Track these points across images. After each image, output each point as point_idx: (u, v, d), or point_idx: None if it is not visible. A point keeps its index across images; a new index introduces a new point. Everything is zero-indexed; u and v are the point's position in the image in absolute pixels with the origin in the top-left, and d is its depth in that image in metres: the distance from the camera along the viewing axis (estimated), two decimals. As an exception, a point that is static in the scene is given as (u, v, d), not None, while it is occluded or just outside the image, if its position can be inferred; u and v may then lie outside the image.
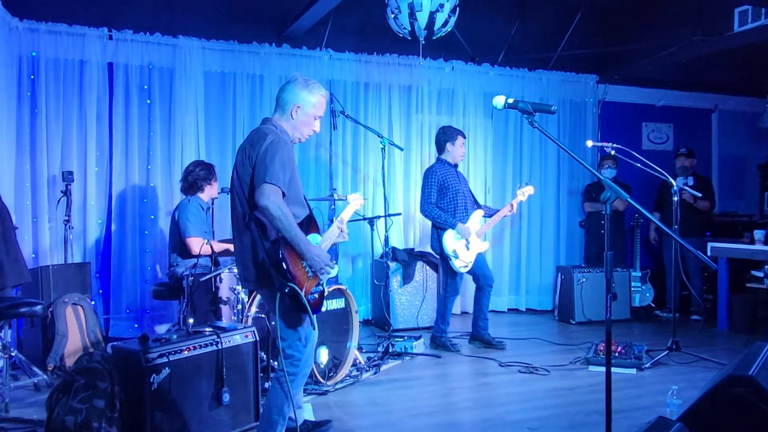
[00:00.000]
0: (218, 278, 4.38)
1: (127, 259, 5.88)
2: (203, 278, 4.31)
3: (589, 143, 5.55)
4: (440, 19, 4.56)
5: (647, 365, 4.74)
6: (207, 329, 3.41)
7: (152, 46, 5.95)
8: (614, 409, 2.68)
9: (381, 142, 5.14)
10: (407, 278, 6.27)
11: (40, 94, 5.58)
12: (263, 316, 4.10)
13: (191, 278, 4.31)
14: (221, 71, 6.26)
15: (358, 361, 4.64)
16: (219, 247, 4.69)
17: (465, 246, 5.28)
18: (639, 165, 5.25)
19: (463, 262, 5.28)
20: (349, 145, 6.75)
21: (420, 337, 5.43)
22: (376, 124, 6.72)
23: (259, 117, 6.21)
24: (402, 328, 6.12)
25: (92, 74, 5.75)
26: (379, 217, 5.41)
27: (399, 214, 6.49)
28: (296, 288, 2.67)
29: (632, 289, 6.78)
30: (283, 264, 2.67)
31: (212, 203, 5.21)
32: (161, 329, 5.83)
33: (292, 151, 2.86)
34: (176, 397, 3.06)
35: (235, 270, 4.35)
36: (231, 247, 4.71)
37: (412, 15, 4.56)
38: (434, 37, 4.81)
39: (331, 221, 5.37)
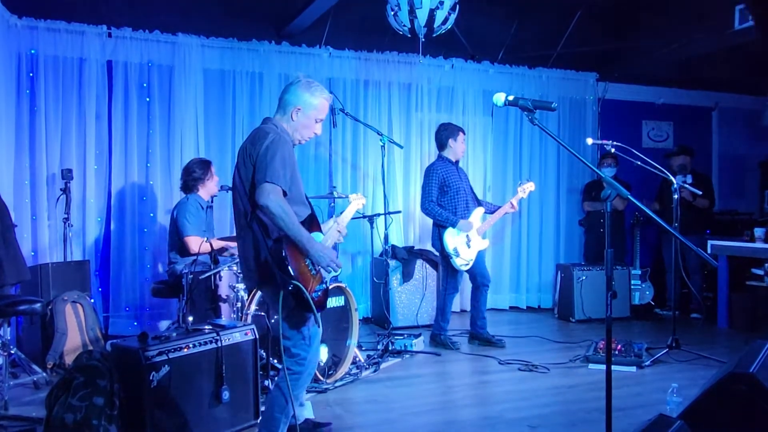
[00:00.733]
0: (218, 276, 4.38)
1: (126, 257, 5.88)
2: (203, 276, 4.30)
3: (589, 141, 5.55)
4: (440, 16, 4.55)
5: (647, 363, 4.73)
6: (206, 327, 3.40)
7: (151, 43, 5.94)
8: (614, 406, 2.67)
9: (381, 140, 5.13)
10: (407, 276, 6.27)
11: (39, 91, 5.57)
12: (263, 314, 4.09)
13: (191, 276, 4.31)
14: (221, 69, 6.25)
15: (357, 359, 4.63)
16: (218, 245, 4.68)
17: (466, 244, 5.27)
18: (639, 163, 5.24)
19: (464, 260, 5.28)
20: (348, 143, 6.74)
21: (420, 335, 5.43)
22: (376, 121, 6.71)
23: (258, 115, 6.21)
24: (402, 326, 6.11)
25: (91, 72, 5.74)
26: (379, 215, 5.41)
27: (399, 212, 6.48)
28: (299, 285, 2.66)
29: (632, 287, 6.78)
30: (287, 262, 2.67)
31: (212, 201, 5.20)
32: (162, 326, 5.84)
33: (292, 150, 2.86)
34: (176, 395, 3.05)
35: (235, 268, 4.36)
36: (230, 244, 4.72)
37: (411, 12, 4.55)
38: (434, 35, 4.80)
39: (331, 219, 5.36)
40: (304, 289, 2.67)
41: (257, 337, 3.56)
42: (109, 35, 5.80)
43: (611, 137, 5.59)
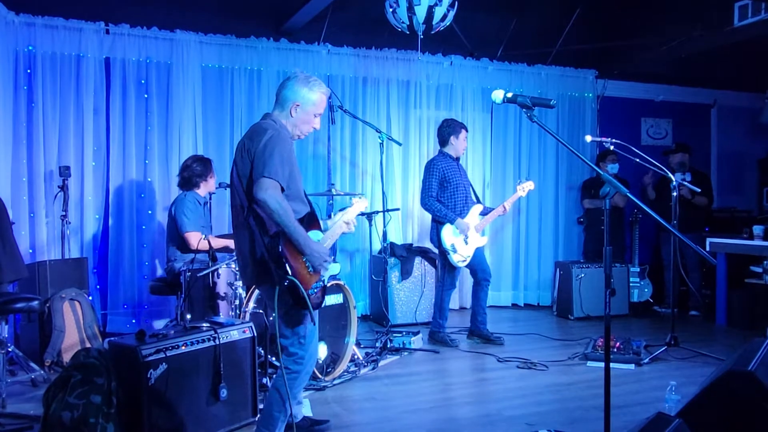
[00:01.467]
0: (216, 274, 4.37)
1: (124, 255, 5.87)
2: (201, 274, 4.29)
3: (588, 138, 5.53)
4: (439, 13, 4.54)
5: (646, 361, 4.73)
6: (204, 325, 3.39)
7: (149, 40, 5.93)
8: (613, 404, 2.67)
9: (379, 138, 5.12)
10: (405, 274, 6.26)
11: (36, 88, 5.56)
12: (261, 311, 4.08)
13: (189, 274, 4.30)
14: (219, 66, 6.23)
15: (356, 357, 4.63)
16: (217, 243, 4.67)
17: (464, 240, 5.27)
18: (638, 160, 5.23)
19: (461, 256, 5.27)
20: (347, 141, 6.73)
21: (418, 333, 5.43)
22: (375, 119, 6.70)
23: (257, 112, 6.20)
24: (400, 324, 6.11)
25: (89, 69, 5.72)
26: (378, 212, 5.40)
27: (397, 209, 6.48)
28: (295, 280, 2.65)
29: (631, 284, 6.78)
30: (283, 259, 2.66)
31: (209, 198, 5.20)
32: (159, 324, 5.84)
33: (291, 147, 2.84)
34: (173, 393, 3.04)
35: (233, 265, 4.35)
36: (230, 243, 4.71)
37: (410, 9, 4.54)
38: (433, 32, 4.80)
39: (329, 217, 5.35)
40: (299, 285, 2.66)
41: (255, 334, 3.55)
42: (107, 32, 5.78)
43: (610, 134, 5.58)
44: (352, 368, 4.49)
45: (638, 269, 6.89)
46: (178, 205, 4.78)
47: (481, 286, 5.50)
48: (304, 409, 3.54)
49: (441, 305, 5.45)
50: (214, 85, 6.23)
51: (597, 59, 7.53)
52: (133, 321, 5.87)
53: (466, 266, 5.41)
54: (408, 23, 4.68)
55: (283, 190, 2.71)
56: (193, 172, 4.89)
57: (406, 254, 6.29)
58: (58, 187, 5.32)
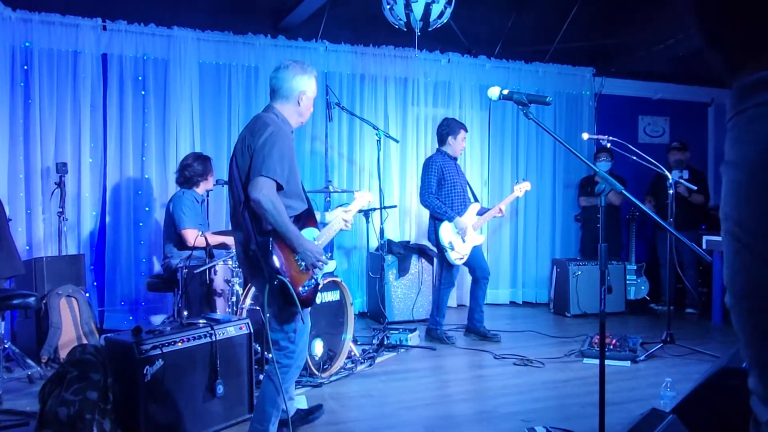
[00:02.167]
0: (213, 270, 4.37)
1: (121, 251, 5.86)
2: (198, 270, 4.29)
3: (585, 136, 5.55)
4: (436, 10, 4.53)
5: (642, 358, 4.75)
6: (201, 321, 3.40)
7: (147, 36, 5.92)
8: (608, 401, 2.68)
9: (376, 135, 5.12)
10: (403, 271, 6.27)
11: (33, 84, 5.55)
12: (258, 308, 4.09)
13: (185, 270, 4.30)
14: (216, 63, 6.23)
15: (353, 354, 4.63)
16: (214, 239, 4.67)
17: (461, 238, 5.28)
18: (634, 158, 5.24)
19: (458, 254, 5.28)
20: (344, 137, 6.73)
21: (415, 330, 5.44)
22: (372, 116, 6.70)
23: (254, 108, 6.19)
24: (397, 321, 6.11)
25: (86, 65, 5.71)
26: (375, 209, 5.40)
27: (394, 206, 6.47)
28: (285, 280, 2.66)
29: (627, 282, 6.80)
30: (274, 256, 2.67)
31: (207, 195, 5.19)
32: (156, 320, 5.83)
33: (292, 143, 2.85)
34: (170, 389, 3.05)
35: (230, 262, 4.35)
36: (226, 239, 4.71)
37: (407, 6, 4.53)
38: (430, 29, 4.79)
39: (323, 216, 5.35)
40: (289, 284, 2.67)
41: (252, 331, 3.55)
42: (104, 28, 5.77)
43: (607, 132, 5.58)
44: (349, 365, 4.50)
45: (635, 267, 6.90)
46: (176, 202, 4.78)
47: (480, 284, 5.51)
48: (300, 405, 3.54)
49: (438, 303, 5.46)
50: (211, 82, 6.22)
51: (594, 57, 7.53)
52: (131, 318, 5.87)
53: (465, 264, 5.42)
54: (405, 20, 4.67)
55: (281, 188, 2.72)
56: (195, 171, 4.89)
57: (403, 251, 6.29)
58: (55, 183, 5.31)
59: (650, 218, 2.69)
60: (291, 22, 6.06)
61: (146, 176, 5.97)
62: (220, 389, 3.27)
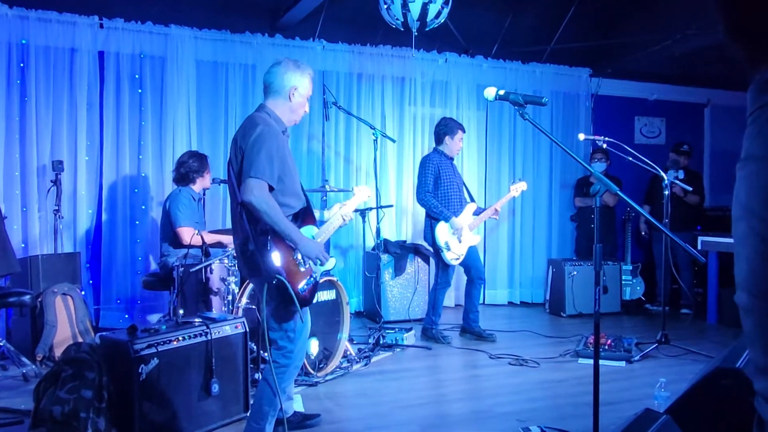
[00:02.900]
0: (209, 269, 4.37)
1: (117, 249, 5.86)
2: (194, 269, 4.29)
3: (581, 137, 5.56)
4: (433, 10, 4.54)
5: (636, 358, 4.76)
6: (196, 320, 3.40)
7: (144, 34, 5.91)
8: (603, 401, 2.69)
9: (373, 134, 5.12)
10: (399, 270, 6.27)
11: (29, 82, 5.53)
12: (254, 307, 4.09)
13: (182, 269, 4.30)
14: (213, 61, 6.22)
15: (348, 353, 4.64)
16: (210, 238, 4.67)
17: (457, 238, 5.28)
18: (630, 159, 5.25)
19: (454, 254, 5.28)
20: (341, 137, 6.73)
21: (411, 329, 5.44)
22: (369, 115, 6.70)
23: (251, 107, 6.19)
24: (393, 320, 6.12)
25: (83, 63, 5.70)
26: (371, 209, 5.40)
27: (391, 206, 6.47)
28: (283, 279, 2.66)
29: (623, 282, 6.81)
30: (272, 255, 2.67)
31: (204, 194, 5.19)
32: (152, 319, 5.83)
33: (282, 142, 2.84)
34: (165, 388, 3.05)
35: (226, 261, 4.35)
36: (223, 238, 4.71)
37: (404, 6, 4.53)
38: (427, 29, 4.79)
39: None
40: (288, 283, 2.67)
41: (248, 330, 3.55)
42: (101, 26, 5.76)
43: (604, 133, 5.60)
44: (345, 364, 4.50)
45: (630, 267, 6.92)
46: (173, 200, 4.78)
47: (474, 284, 5.52)
48: (296, 405, 3.55)
49: (434, 303, 5.46)
50: (208, 80, 6.22)
51: (591, 57, 7.54)
52: (126, 316, 5.86)
53: (460, 264, 5.42)
54: (402, 20, 4.68)
55: (272, 189, 2.71)
56: (190, 167, 4.89)
57: (399, 251, 6.29)
58: (51, 181, 5.30)
59: (645, 217, 2.70)
60: (288, 20, 6.06)
61: (143, 174, 5.96)
62: (215, 388, 3.27)
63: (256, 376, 3.86)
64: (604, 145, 5.32)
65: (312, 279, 2.88)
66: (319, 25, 6.29)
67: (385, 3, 4.67)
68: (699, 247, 6.21)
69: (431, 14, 4.57)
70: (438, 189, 5.35)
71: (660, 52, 6.80)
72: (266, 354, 3.75)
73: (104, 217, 5.87)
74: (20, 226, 5.52)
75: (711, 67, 7.56)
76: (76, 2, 5.61)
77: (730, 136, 8.69)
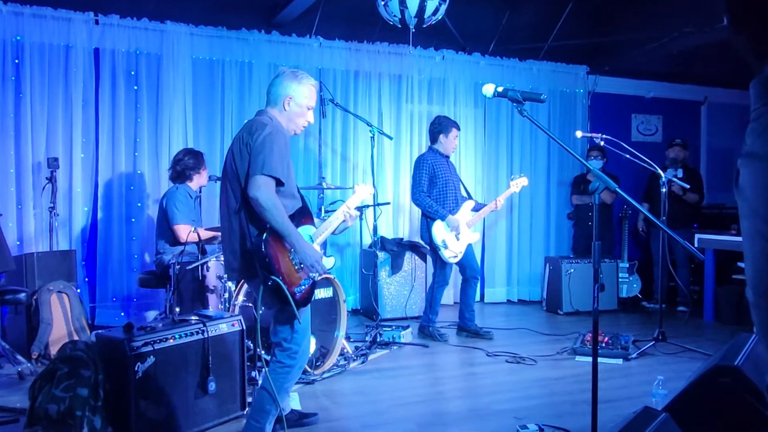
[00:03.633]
0: (205, 266, 4.35)
1: (113, 247, 5.83)
2: (190, 266, 4.27)
3: (579, 134, 5.55)
4: (430, 6, 4.52)
5: (633, 355, 4.76)
6: (193, 318, 3.38)
7: (139, 31, 5.88)
8: (600, 398, 2.68)
9: (370, 131, 5.10)
10: (396, 268, 6.26)
11: (24, 78, 5.50)
12: (250, 304, 4.07)
13: (178, 266, 4.28)
14: (210, 58, 6.19)
15: (345, 351, 4.63)
16: (206, 234, 4.65)
17: (455, 236, 5.27)
18: (628, 156, 5.25)
19: (452, 252, 5.27)
20: (338, 134, 6.71)
21: (408, 327, 5.43)
22: (366, 113, 6.68)
23: (247, 104, 6.18)
24: (390, 318, 6.12)
25: (78, 59, 5.67)
26: (368, 206, 5.39)
27: (388, 203, 6.47)
28: (279, 282, 2.65)
29: (620, 280, 6.82)
30: (269, 257, 2.65)
31: (200, 191, 5.17)
32: (149, 317, 5.81)
33: (288, 143, 2.85)
34: (161, 386, 3.03)
35: (222, 259, 4.33)
36: (218, 234, 4.69)
37: (402, 2, 4.51)
38: (424, 25, 4.77)
39: (319, 210, 5.34)
40: (284, 286, 2.66)
41: (244, 328, 3.54)
42: (96, 22, 5.72)
43: (601, 130, 5.59)
44: (342, 362, 4.49)
45: (627, 265, 6.92)
46: (170, 197, 4.76)
47: (470, 283, 5.51)
48: (293, 403, 3.54)
49: (432, 301, 5.45)
50: (204, 77, 6.19)
51: (588, 55, 7.54)
52: (122, 314, 5.84)
53: (456, 263, 5.41)
54: (399, 16, 4.66)
55: (282, 184, 2.71)
56: (186, 165, 4.88)
57: (396, 249, 6.28)
58: (46, 178, 5.28)
59: (643, 215, 2.70)
60: (285, 17, 6.03)
61: (139, 172, 5.94)
62: (212, 386, 3.25)
63: (253, 374, 3.84)
64: (601, 143, 5.32)
65: (309, 279, 2.87)
66: (316, 22, 6.26)
67: (383, 0, 4.65)
68: (696, 245, 6.22)
69: (429, 11, 4.55)
70: (434, 187, 5.34)
71: (657, 49, 6.80)
72: (264, 352, 3.75)
73: (100, 214, 5.84)
74: (15, 224, 5.49)
75: (708, 64, 7.56)
76: (72, -2, 5.58)
77: (726, 133, 8.71)
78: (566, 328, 5.82)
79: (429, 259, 5.92)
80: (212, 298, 4.34)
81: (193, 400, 3.19)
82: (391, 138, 5.58)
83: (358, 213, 3.23)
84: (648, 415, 2.14)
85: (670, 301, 6.89)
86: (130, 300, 5.89)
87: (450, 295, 7.02)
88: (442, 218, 5.24)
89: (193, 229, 4.52)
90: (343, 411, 3.66)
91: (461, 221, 5.28)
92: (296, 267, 2.79)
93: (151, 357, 2.99)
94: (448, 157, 5.51)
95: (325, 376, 4.23)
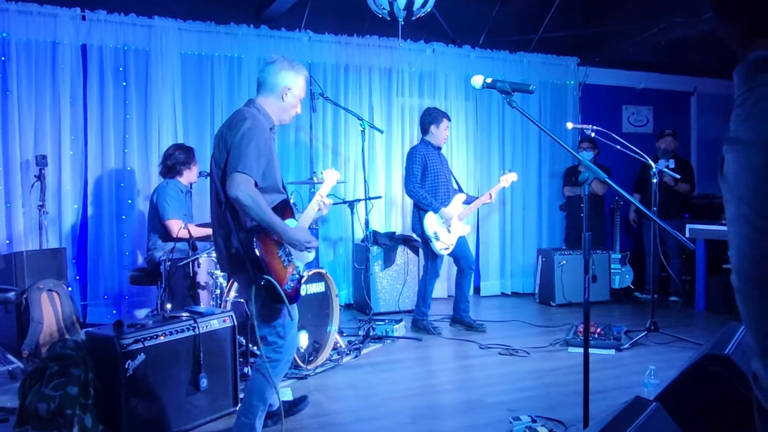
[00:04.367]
0: (196, 263, 4.33)
1: (104, 244, 5.80)
2: (181, 263, 4.25)
3: (570, 125, 5.55)
4: (419, -1, 4.50)
5: (626, 346, 4.78)
6: (183, 314, 3.36)
7: (127, 27, 5.83)
8: (593, 389, 2.69)
9: (361, 125, 5.09)
10: (388, 262, 6.25)
11: (11, 76, 5.45)
12: (242, 300, 4.05)
13: (168, 263, 4.26)
14: (198, 53, 6.15)
15: (338, 345, 4.62)
16: (198, 231, 4.62)
17: (446, 229, 5.27)
18: (619, 147, 5.26)
19: (444, 244, 5.27)
20: (329, 128, 6.69)
21: (401, 321, 5.43)
22: (357, 106, 6.66)
23: (237, 99, 6.14)
24: (383, 312, 6.11)
25: (65, 56, 5.62)
26: (360, 200, 5.38)
27: (379, 197, 6.45)
28: (271, 279, 2.63)
29: (612, 271, 6.84)
30: (257, 255, 2.63)
31: (191, 187, 5.15)
32: (140, 314, 5.78)
33: (269, 138, 2.81)
34: (152, 383, 3.01)
35: (213, 255, 4.31)
36: (211, 232, 4.66)
37: (391, -5, 4.50)
38: (413, 18, 4.76)
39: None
40: (276, 284, 2.64)
41: (236, 324, 3.53)
42: (83, 18, 5.68)
43: (592, 122, 5.59)
44: (335, 356, 4.49)
45: (619, 256, 6.94)
46: (160, 192, 4.74)
47: (464, 274, 5.51)
48: (285, 397, 3.53)
49: (424, 293, 5.45)
50: (193, 72, 6.15)
51: (579, 47, 7.54)
52: (114, 311, 5.82)
53: (450, 255, 5.41)
54: (389, 9, 4.64)
55: (256, 184, 2.68)
56: (177, 160, 4.86)
57: (388, 242, 6.28)
58: (35, 176, 5.23)
59: (635, 206, 2.70)
60: (274, 11, 6.00)
61: (128, 168, 5.90)
62: (203, 383, 3.24)
63: (246, 370, 3.83)
64: (592, 134, 5.32)
65: (296, 274, 2.86)
66: (305, 16, 6.23)
67: (372, -8, 4.63)
68: (687, 235, 6.23)
69: (417, 3, 4.53)
70: (425, 180, 5.33)
71: (647, 40, 6.81)
72: (255, 348, 3.74)
73: (90, 211, 5.81)
74: (4, 222, 5.45)
75: (697, 55, 7.58)
76: (58, -6, 5.52)
77: (716, 124, 8.74)
78: (559, 320, 5.84)
79: (421, 252, 5.92)
80: (203, 295, 4.32)
81: (185, 396, 3.18)
82: (381, 132, 5.57)
83: (331, 201, 3.20)
84: (639, 405, 2.14)
85: (662, 292, 6.92)
86: (121, 297, 5.86)
87: (444, 288, 7.02)
88: (435, 210, 5.23)
89: (183, 224, 4.50)
90: (336, 405, 3.65)
91: (453, 213, 5.28)
92: (284, 263, 2.78)
93: (142, 354, 2.97)
94: (440, 149, 5.50)
95: (318, 370, 4.22)
